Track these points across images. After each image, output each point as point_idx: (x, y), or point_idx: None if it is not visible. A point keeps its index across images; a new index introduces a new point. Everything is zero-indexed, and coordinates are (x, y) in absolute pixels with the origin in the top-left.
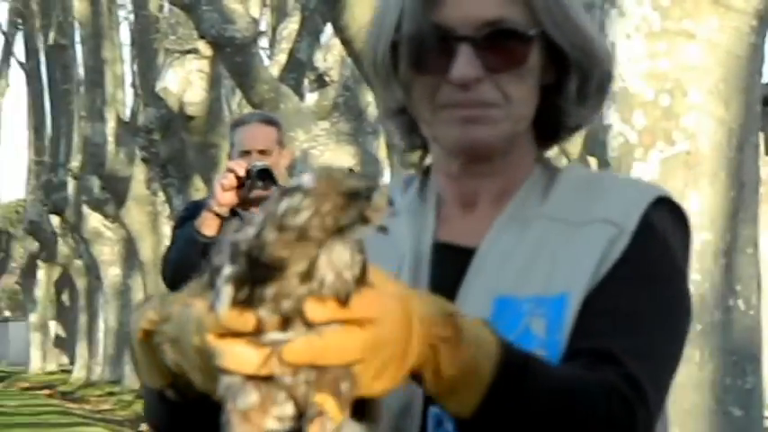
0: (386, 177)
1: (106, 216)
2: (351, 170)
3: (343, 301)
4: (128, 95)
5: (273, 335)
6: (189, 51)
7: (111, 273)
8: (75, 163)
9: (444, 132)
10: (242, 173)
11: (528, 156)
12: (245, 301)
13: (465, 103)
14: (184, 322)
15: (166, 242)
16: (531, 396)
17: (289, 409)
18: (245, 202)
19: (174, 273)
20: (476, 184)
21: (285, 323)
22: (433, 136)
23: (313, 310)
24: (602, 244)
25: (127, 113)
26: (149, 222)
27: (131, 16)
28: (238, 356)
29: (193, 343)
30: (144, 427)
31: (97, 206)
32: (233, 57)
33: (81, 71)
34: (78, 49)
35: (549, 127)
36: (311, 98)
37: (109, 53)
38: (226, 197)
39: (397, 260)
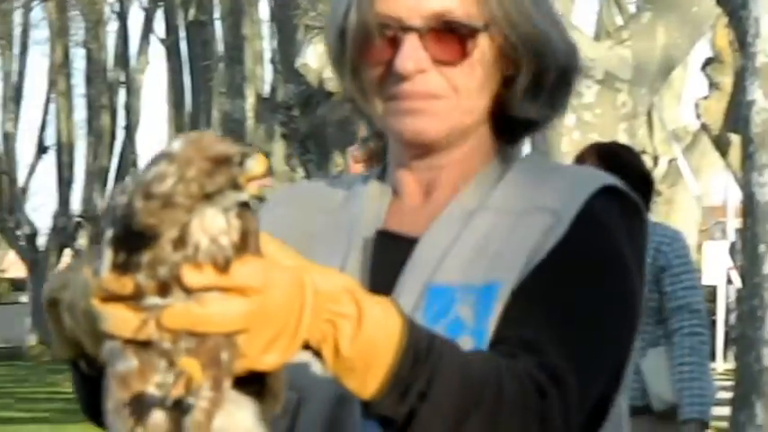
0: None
1: None
2: (224, 137)
3: (222, 267)
4: (267, 71)
5: (152, 299)
6: None
7: None
8: None
9: (392, 124)
10: (373, 145)
11: (483, 148)
12: (124, 266)
13: (411, 95)
14: (77, 287)
15: None
16: (434, 379)
17: (170, 378)
18: None
19: None
20: (431, 175)
21: (165, 288)
22: (383, 127)
23: (189, 275)
24: (537, 233)
25: (266, 89)
26: None
27: None
28: (117, 320)
29: (81, 307)
30: None
31: None
32: None
33: (220, 47)
34: (218, 25)
35: (503, 121)
36: None
37: (248, 29)
38: (358, 169)
39: (346, 246)
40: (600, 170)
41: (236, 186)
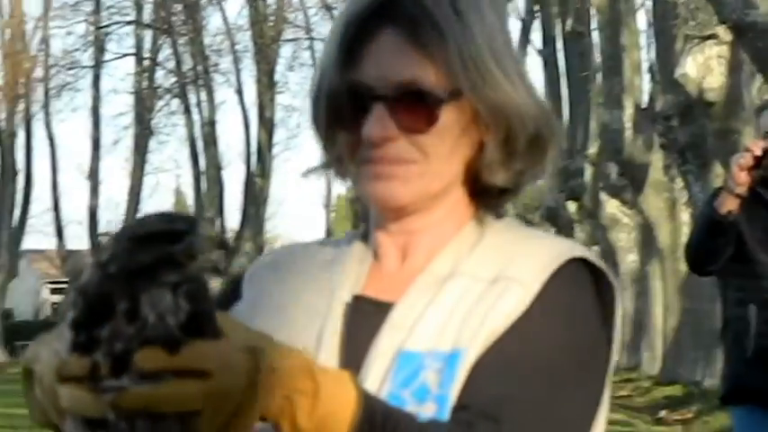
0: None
1: (623, 202)
2: (173, 215)
3: (171, 348)
4: (645, 82)
5: (110, 381)
6: (709, 37)
7: (628, 259)
8: (592, 149)
9: (363, 188)
10: (758, 152)
11: (458, 213)
12: (85, 345)
13: (380, 160)
14: (43, 363)
15: (685, 229)
16: None
17: None
18: (762, 182)
19: (692, 252)
20: (406, 239)
21: (120, 369)
22: (357, 192)
23: (142, 358)
24: (504, 302)
25: (644, 100)
26: (667, 209)
27: (648, 2)
28: (75, 399)
29: (45, 383)
30: (663, 413)
31: (614, 192)
32: (754, 42)
33: (598, 58)
34: (595, 35)
35: (477, 185)
36: None
37: (627, 39)
38: (742, 177)
39: (324, 311)
40: (571, 241)
41: (170, 263)
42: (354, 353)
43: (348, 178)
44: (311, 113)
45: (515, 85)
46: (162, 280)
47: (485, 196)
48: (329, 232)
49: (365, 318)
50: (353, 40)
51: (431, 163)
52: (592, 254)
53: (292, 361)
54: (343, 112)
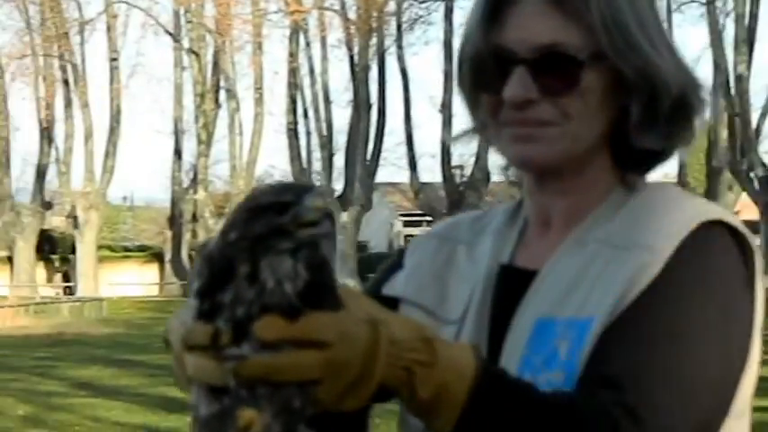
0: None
1: None
2: (285, 185)
3: (290, 316)
4: None
5: (232, 350)
6: None
7: None
8: None
9: (505, 150)
10: None
11: (602, 178)
12: (208, 312)
13: (521, 122)
14: (174, 334)
15: None
16: (506, 421)
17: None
18: None
19: None
20: (548, 202)
21: (242, 336)
22: (501, 155)
23: (262, 325)
24: (633, 269)
25: None
26: None
27: None
28: (199, 368)
29: (176, 352)
30: None
31: None
32: None
33: None
34: None
35: (622, 151)
36: None
37: None
38: None
39: (475, 279)
40: (709, 203)
41: (282, 233)
42: (499, 320)
43: (493, 142)
44: (457, 77)
45: (659, 51)
46: (278, 248)
47: (632, 161)
48: None
49: (512, 286)
50: (497, 4)
51: (572, 125)
52: (730, 215)
53: (412, 333)
54: (486, 76)
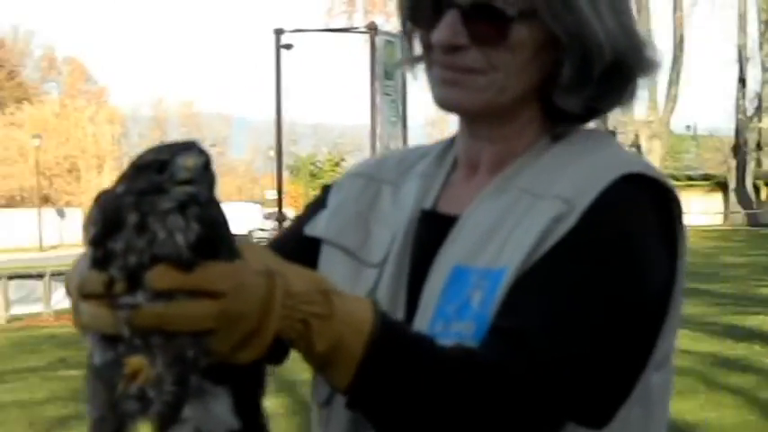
0: None
1: None
2: (167, 145)
3: (183, 267)
4: None
5: (125, 298)
6: None
7: None
8: None
9: (432, 89)
10: None
11: (531, 128)
12: (101, 260)
13: (449, 65)
14: (71, 281)
15: None
16: (403, 376)
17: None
18: None
19: None
20: (477, 146)
21: (135, 285)
22: (430, 91)
23: (155, 275)
24: (548, 221)
25: None
26: None
27: None
28: (93, 316)
29: (72, 302)
30: None
31: None
32: None
33: None
34: None
35: (552, 104)
36: None
37: None
38: None
39: (396, 226)
40: (631, 155)
41: (160, 190)
42: (421, 268)
43: (427, 76)
44: (396, 5)
45: (600, 13)
46: (160, 203)
47: (562, 115)
48: None
49: (433, 232)
50: None
51: (499, 76)
52: (652, 169)
53: (309, 285)
54: (421, 12)
